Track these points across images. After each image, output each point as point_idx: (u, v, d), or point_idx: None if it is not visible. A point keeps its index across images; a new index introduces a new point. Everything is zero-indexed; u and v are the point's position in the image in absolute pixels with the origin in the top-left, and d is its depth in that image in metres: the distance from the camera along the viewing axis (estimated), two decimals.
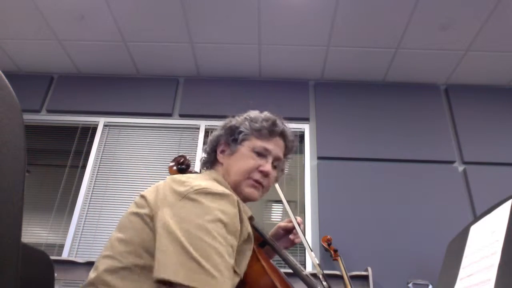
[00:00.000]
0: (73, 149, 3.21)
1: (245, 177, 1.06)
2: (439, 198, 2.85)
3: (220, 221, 0.84)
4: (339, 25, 2.89)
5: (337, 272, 2.47)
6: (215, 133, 1.16)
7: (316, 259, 1.14)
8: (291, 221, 1.23)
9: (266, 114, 1.14)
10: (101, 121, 3.29)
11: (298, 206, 2.98)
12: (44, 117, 3.34)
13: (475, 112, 3.23)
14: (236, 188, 1.06)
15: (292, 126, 3.28)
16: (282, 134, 1.13)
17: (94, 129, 3.27)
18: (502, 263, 0.78)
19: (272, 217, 3.57)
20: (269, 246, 1.13)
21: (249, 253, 0.95)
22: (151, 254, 0.83)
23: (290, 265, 1.09)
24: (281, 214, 3.21)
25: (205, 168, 1.17)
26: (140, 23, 2.97)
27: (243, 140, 1.09)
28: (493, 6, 2.67)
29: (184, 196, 0.87)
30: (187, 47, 3.16)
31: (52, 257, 1.02)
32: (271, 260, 1.12)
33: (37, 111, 3.32)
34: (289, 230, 1.25)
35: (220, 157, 1.12)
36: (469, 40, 2.94)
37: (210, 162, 1.15)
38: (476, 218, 1.03)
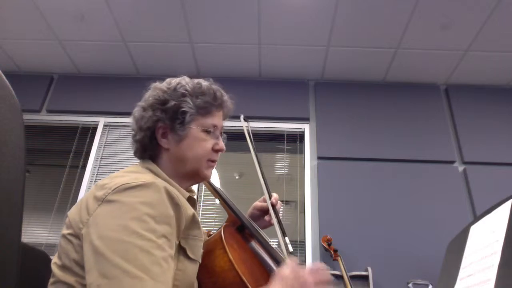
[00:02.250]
0: (73, 149, 3.21)
1: (204, 162, 1.00)
2: (439, 198, 2.84)
3: (145, 214, 0.77)
4: (339, 25, 2.89)
5: (337, 272, 2.46)
6: (146, 114, 1.00)
7: (290, 245, 1.05)
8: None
9: (203, 83, 1.03)
10: (101, 121, 3.28)
11: (298, 206, 2.98)
12: (44, 117, 3.34)
13: (475, 112, 3.23)
14: (194, 174, 1.00)
15: (292, 126, 3.30)
16: (225, 105, 1.06)
17: (94, 129, 3.27)
18: (502, 263, 0.78)
19: None
20: (248, 230, 1.08)
21: (200, 235, 0.90)
22: None
23: (270, 253, 1.04)
24: (281, 213, 3.20)
25: (146, 157, 1.02)
26: (140, 23, 2.97)
27: (190, 121, 0.99)
28: (493, 6, 2.67)
29: (103, 200, 0.80)
30: (187, 47, 3.16)
31: (52, 257, 1.02)
32: (252, 244, 1.08)
33: (37, 111, 3.32)
34: (266, 211, 1.17)
35: (164, 142, 0.99)
36: (469, 40, 2.94)
37: (152, 152, 1.01)
38: (476, 218, 1.03)
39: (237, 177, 3.25)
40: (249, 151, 1.20)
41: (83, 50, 3.24)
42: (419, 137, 3.12)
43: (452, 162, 3.04)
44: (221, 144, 1.03)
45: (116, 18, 2.93)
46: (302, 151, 3.17)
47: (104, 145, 3.21)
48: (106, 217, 0.78)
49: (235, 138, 3.24)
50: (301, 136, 3.22)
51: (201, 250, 0.91)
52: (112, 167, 3.12)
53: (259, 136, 3.25)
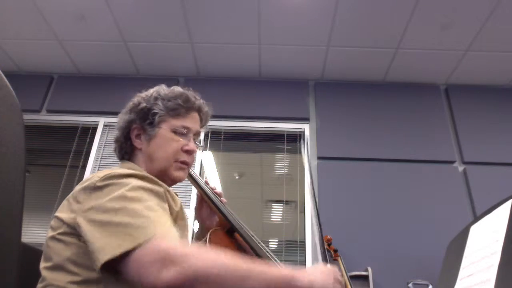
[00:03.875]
0: (73, 149, 3.21)
1: (172, 161, 1.04)
2: (439, 198, 2.84)
3: (139, 187, 0.83)
4: (339, 25, 2.89)
5: None
6: (123, 117, 1.10)
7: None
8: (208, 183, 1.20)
9: (177, 89, 1.10)
10: (101, 121, 3.28)
11: (298, 206, 2.98)
12: (44, 117, 3.33)
13: (475, 112, 3.23)
14: (163, 174, 1.03)
15: (292, 126, 3.30)
16: (198, 109, 1.12)
17: (94, 129, 3.26)
18: (502, 263, 0.78)
19: (272, 217, 3.57)
20: (237, 233, 1.10)
21: (185, 230, 0.97)
22: (84, 266, 0.79)
23: (260, 256, 1.05)
24: (281, 214, 3.21)
25: (124, 158, 1.11)
26: (140, 23, 2.97)
27: (159, 122, 1.05)
28: (493, 6, 2.67)
29: (93, 188, 0.83)
30: (187, 47, 3.16)
31: None
32: (242, 247, 1.09)
33: (37, 111, 3.32)
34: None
35: (137, 142, 1.07)
36: (469, 40, 2.94)
37: (127, 151, 1.09)
38: (476, 218, 1.03)
39: (237, 177, 3.25)
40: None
41: (83, 50, 3.24)
42: (419, 137, 3.12)
43: (452, 162, 3.04)
44: (192, 145, 1.06)
45: (116, 18, 2.93)
46: (302, 151, 3.17)
47: (104, 145, 3.21)
48: (102, 197, 0.81)
49: (235, 138, 3.25)
50: (301, 136, 3.22)
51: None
52: (112, 167, 3.11)
53: (259, 136, 3.25)
